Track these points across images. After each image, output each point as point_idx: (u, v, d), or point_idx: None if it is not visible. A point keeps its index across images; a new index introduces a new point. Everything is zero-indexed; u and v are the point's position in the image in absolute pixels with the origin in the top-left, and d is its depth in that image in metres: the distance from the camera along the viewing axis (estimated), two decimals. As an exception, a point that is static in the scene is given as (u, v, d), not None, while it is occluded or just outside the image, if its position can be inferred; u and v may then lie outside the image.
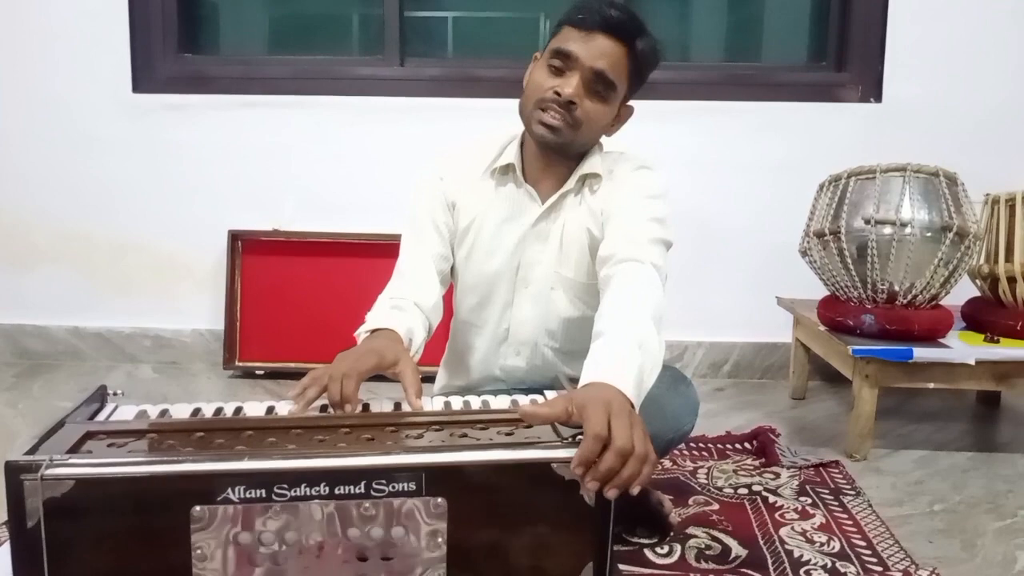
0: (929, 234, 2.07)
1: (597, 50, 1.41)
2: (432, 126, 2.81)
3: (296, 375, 2.53)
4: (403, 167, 2.75)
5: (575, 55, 1.41)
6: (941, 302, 2.18)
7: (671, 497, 1.71)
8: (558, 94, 1.41)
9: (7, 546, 1.43)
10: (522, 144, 1.56)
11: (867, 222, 2.09)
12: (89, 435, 1.06)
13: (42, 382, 2.74)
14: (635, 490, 0.99)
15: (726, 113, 2.83)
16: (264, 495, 0.96)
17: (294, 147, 2.89)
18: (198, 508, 0.96)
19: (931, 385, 2.09)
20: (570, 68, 1.42)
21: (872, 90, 2.82)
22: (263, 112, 2.87)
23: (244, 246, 2.86)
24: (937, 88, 2.78)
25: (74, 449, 1.01)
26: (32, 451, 0.99)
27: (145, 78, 2.89)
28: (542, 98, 1.43)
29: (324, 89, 2.89)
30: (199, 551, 0.97)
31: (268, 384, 2.77)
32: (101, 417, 1.18)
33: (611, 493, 0.98)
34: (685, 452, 2.07)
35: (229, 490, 0.96)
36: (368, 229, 2.81)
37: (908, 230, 2.06)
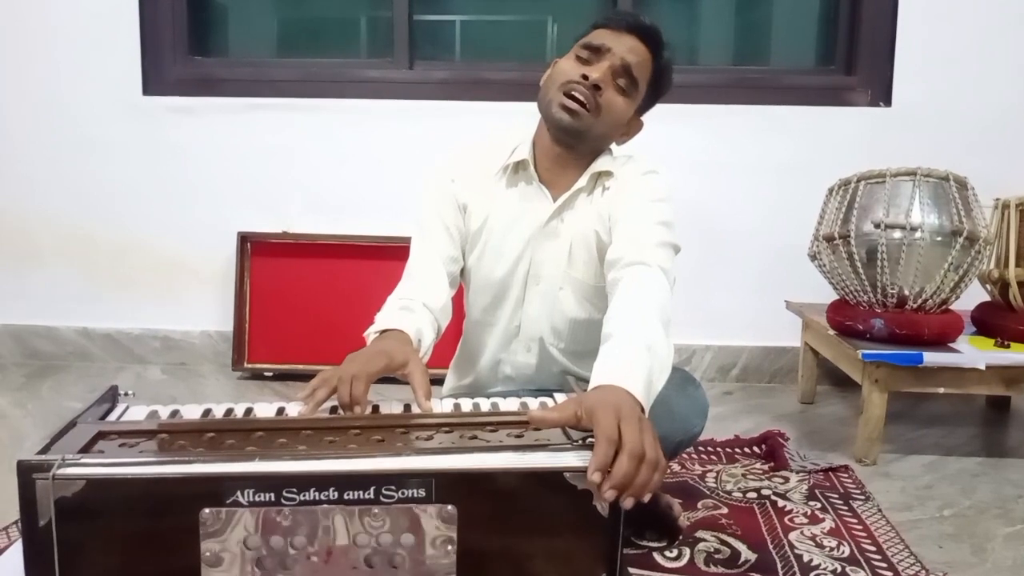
0: (939, 238, 2.06)
1: (627, 45, 1.47)
2: (441, 129, 2.81)
3: (305, 377, 2.54)
4: (412, 170, 2.76)
5: (607, 46, 1.46)
6: (951, 307, 2.18)
7: (680, 501, 1.70)
8: (585, 77, 1.44)
9: (18, 545, 1.44)
10: (534, 143, 1.57)
11: (877, 226, 2.09)
12: (101, 435, 1.06)
13: (51, 383, 2.75)
14: (646, 497, 0.99)
15: (734, 116, 2.83)
16: (273, 499, 0.96)
17: (303, 150, 2.90)
18: (207, 511, 0.96)
19: (941, 390, 2.07)
20: (599, 58, 1.47)
21: (881, 94, 2.82)
22: (272, 115, 2.88)
23: (253, 248, 2.87)
24: (946, 92, 2.78)
25: (86, 449, 1.01)
26: (44, 450, 0.99)
27: (155, 81, 2.91)
28: (568, 81, 1.46)
29: (333, 92, 2.90)
30: (208, 554, 0.96)
31: (276, 386, 2.77)
32: (112, 417, 1.18)
33: (628, 503, 0.97)
34: (694, 456, 2.06)
35: (239, 493, 0.96)
36: (377, 231, 2.81)
37: (918, 234, 2.06)
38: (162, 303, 2.97)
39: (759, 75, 2.99)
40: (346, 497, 0.96)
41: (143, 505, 0.96)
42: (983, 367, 2.02)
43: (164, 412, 1.20)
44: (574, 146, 1.51)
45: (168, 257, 2.94)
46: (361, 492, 0.97)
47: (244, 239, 2.86)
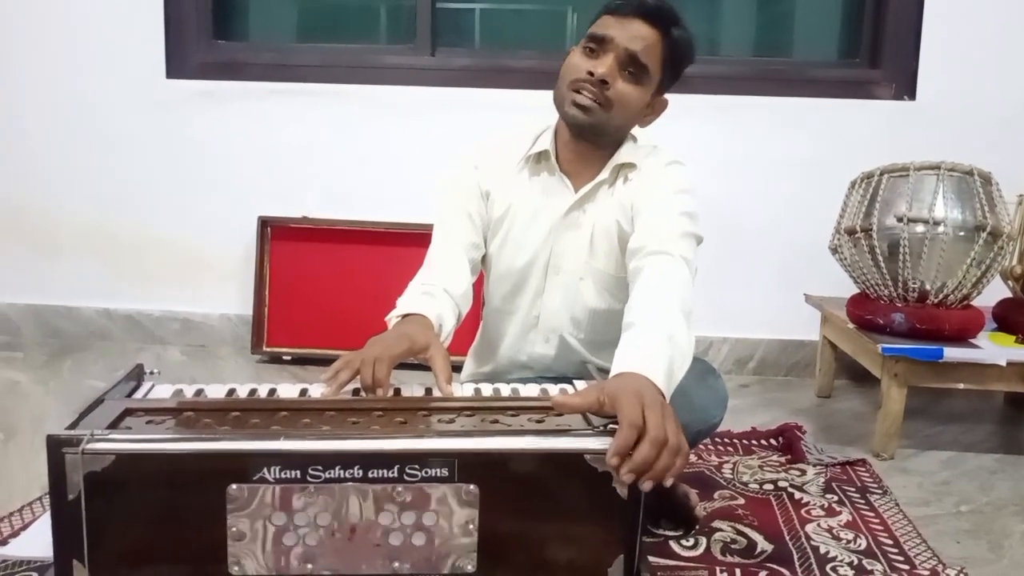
0: (962, 233, 2.05)
1: (631, 33, 1.44)
2: (461, 116, 2.82)
3: (323, 361, 2.56)
4: (433, 156, 2.76)
5: (610, 37, 1.44)
6: (972, 302, 2.16)
7: (696, 491, 1.70)
8: (591, 74, 1.43)
9: (45, 519, 1.46)
10: (555, 134, 1.57)
11: (899, 220, 2.08)
12: (128, 412, 1.08)
13: (72, 362, 2.78)
14: (668, 482, 1.00)
15: (756, 108, 2.82)
16: (299, 476, 0.98)
17: (324, 135, 2.91)
18: (234, 486, 0.97)
19: (961, 385, 2.07)
20: (605, 50, 1.44)
21: (906, 88, 2.80)
22: (294, 100, 2.89)
23: (273, 232, 2.89)
24: (971, 87, 2.75)
25: (114, 425, 1.03)
26: (73, 426, 1.01)
27: (178, 64, 2.92)
28: (576, 79, 1.45)
29: (355, 78, 2.91)
30: (234, 529, 0.98)
31: (295, 369, 2.79)
32: (138, 395, 1.20)
33: (646, 485, 0.98)
34: (710, 447, 2.07)
35: (265, 470, 0.97)
36: (397, 218, 2.82)
37: (941, 229, 2.04)
38: (183, 285, 2.99)
39: (782, 67, 2.97)
40: (370, 476, 0.98)
41: (171, 480, 0.98)
42: (1004, 363, 2.01)
43: (189, 391, 1.22)
44: (592, 139, 1.51)
45: (189, 240, 2.97)
46: (385, 471, 0.98)
47: (264, 224, 2.87)
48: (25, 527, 1.52)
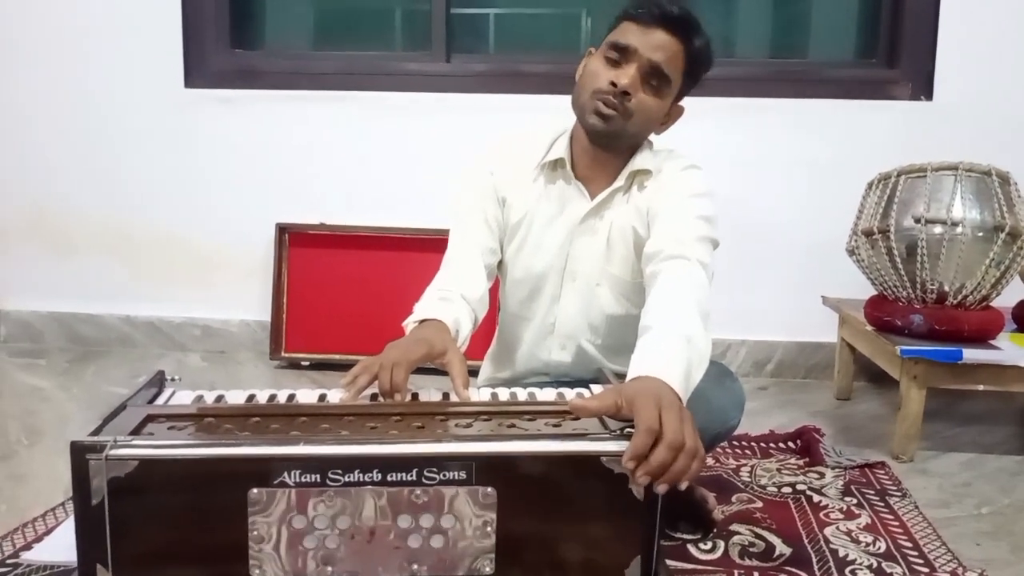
0: (981, 234, 2.04)
1: (655, 43, 1.43)
2: (478, 121, 2.83)
3: (341, 366, 2.57)
4: (449, 162, 2.78)
5: (633, 47, 1.43)
6: (992, 303, 2.15)
7: (714, 494, 1.70)
8: (614, 84, 1.43)
9: (69, 523, 1.48)
10: (571, 139, 1.57)
11: (917, 221, 2.07)
12: (150, 418, 1.09)
13: (95, 368, 2.81)
14: (683, 485, 1.00)
15: (772, 110, 2.81)
16: (319, 480, 0.99)
17: (341, 142, 2.93)
18: (255, 490, 0.98)
19: (980, 387, 2.06)
20: (627, 60, 1.44)
21: (923, 88, 2.78)
22: (310, 107, 2.92)
23: (291, 239, 2.91)
24: (989, 87, 2.73)
25: (136, 431, 1.04)
26: (96, 432, 1.02)
27: (197, 73, 2.95)
28: (597, 88, 1.45)
29: (371, 84, 2.92)
30: (255, 532, 0.99)
31: (314, 375, 2.81)
32: (160, 401, 1.21)
33: (661, 488, 0.99)
34: (728, 450, 2.06)
35: (285, 474, 0.99)
36: (414, 223, 2.84)
37: (959, 229, 2.03)
38: (202, 292, 3.02)
39: (798, 68, 2.96)
40: (389, 479, 0.99)
41: (193, 485, 0.99)
42: (1024, 365, 2.00)
43: (209, 397, 1.24)
44: (610, 146, 1.52)
45: (207, 248, 2.99)
46: (404, 474, 0.99)
47: (282, 230, 2.90)
48: (49, 532, 1.54)
